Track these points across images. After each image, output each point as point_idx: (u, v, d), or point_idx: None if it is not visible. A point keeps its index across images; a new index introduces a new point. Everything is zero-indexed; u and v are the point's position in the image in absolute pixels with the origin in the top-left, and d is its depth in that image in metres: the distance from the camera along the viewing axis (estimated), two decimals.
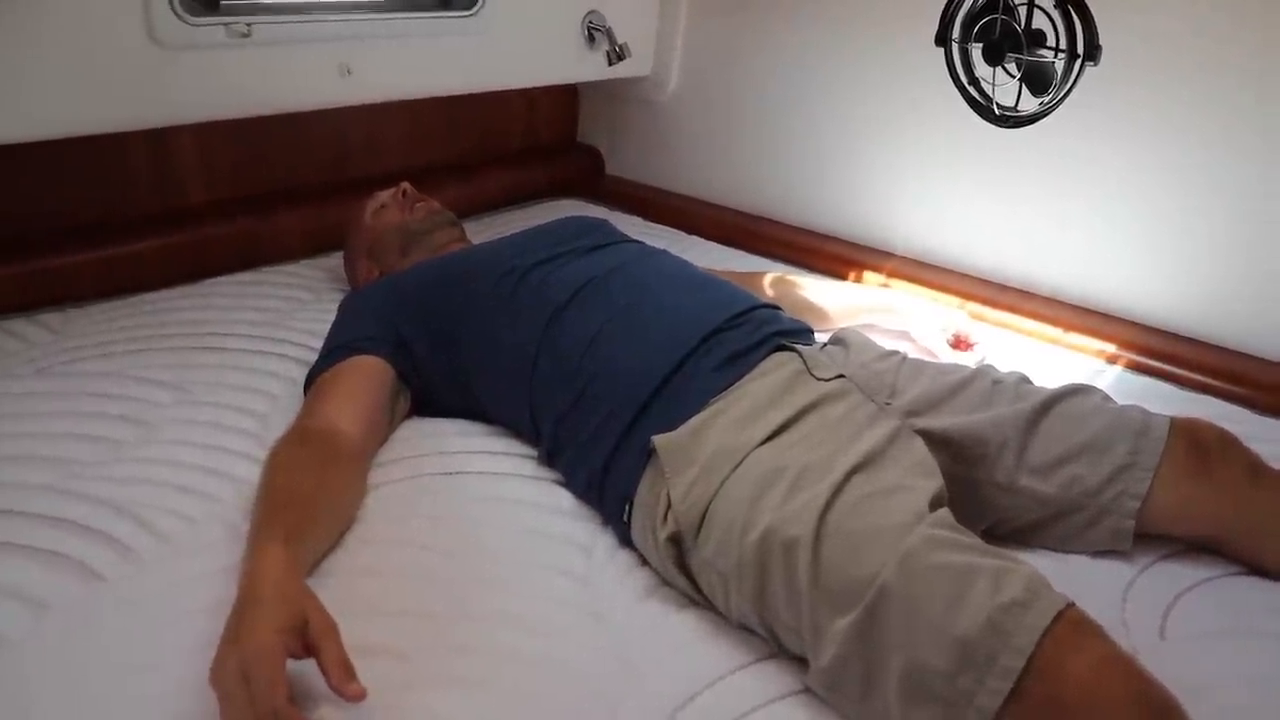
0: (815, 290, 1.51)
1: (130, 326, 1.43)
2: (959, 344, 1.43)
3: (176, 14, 1.37)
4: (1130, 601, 0.97)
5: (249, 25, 1.44)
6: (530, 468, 1.13)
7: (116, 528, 0.98)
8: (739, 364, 1.06)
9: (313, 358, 1.24)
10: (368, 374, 1.14)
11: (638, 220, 2.02)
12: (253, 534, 0.88)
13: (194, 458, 1.11)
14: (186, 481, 1.07)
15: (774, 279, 1.52)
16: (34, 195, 1.53)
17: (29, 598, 0.88)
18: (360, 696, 0.73)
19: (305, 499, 0.94)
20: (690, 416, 1.00)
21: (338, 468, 1.01)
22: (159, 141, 1.63)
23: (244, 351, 1.38)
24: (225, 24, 1.42)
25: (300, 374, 1.25)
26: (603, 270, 1.19)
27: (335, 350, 1.18)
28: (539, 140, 2.27)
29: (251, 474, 1.08)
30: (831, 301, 1.50)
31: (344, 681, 0.73)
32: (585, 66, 1.98)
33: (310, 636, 0.75)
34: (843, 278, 1.80)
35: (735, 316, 1.12)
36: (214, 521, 1.01)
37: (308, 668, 0.75)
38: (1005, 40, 1.40)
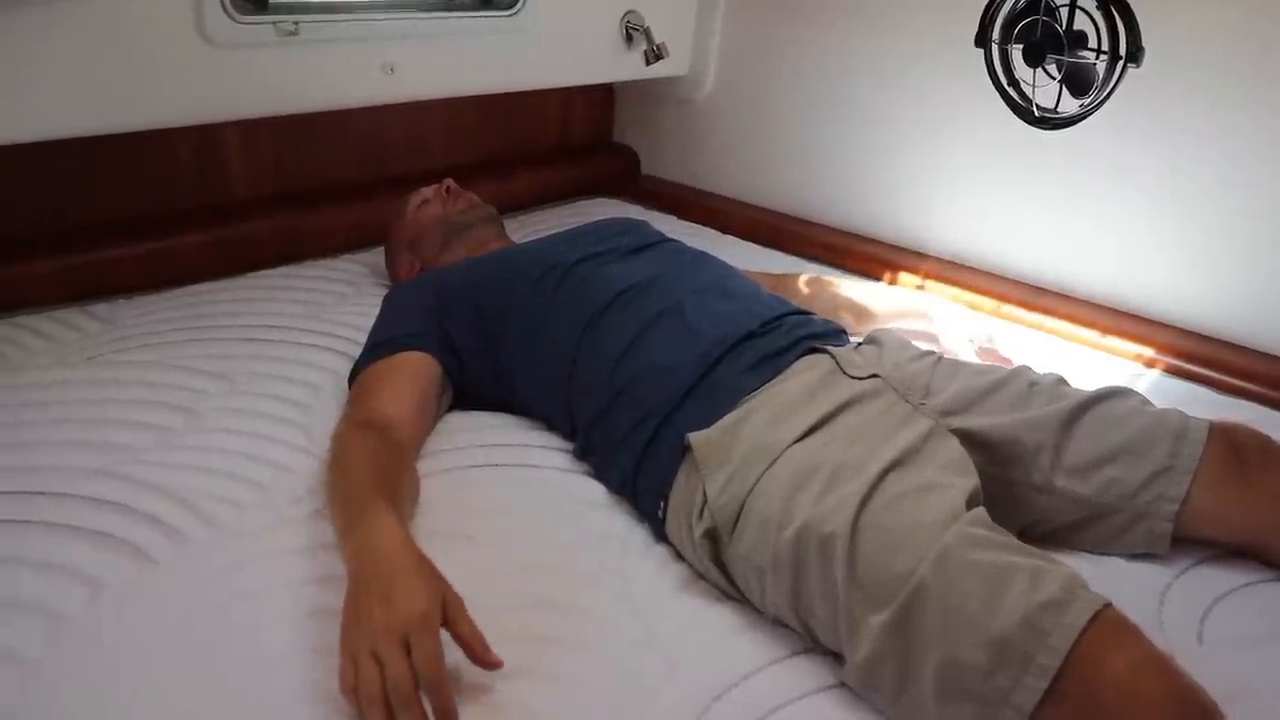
0: (849, 291, 1.51)
1: (177, 318, 1.47)
2: (986, 356, 1.41)
3: (226, 12, 1.40)
4: (1168, 605, 0.96)
5: (296, 24, 1.48)
6: (568, 461, 1.15)
7: (166, 512, 1.01)
8: (771, 365, 1.07)
9: (354, 350, 1.26)
10: (415, 369, 1.16)
11: (672, 219, 2.03)
12: (351, 508, 0.91)
13: (240, 445, 1.14)
14: (233, 468, 1.09)
15: (808, 279, 1.52)
16: (83, 189, 1.57)
17: (84, 577, 0.91)
18: (500, 665, 0.78)
19: (393, 477, 0.97)
20: (723, 415, 1.01)
21: (401, 457, 1.04)
22: (205, 137, 1.66)
23: (287, 343, 1.41)
24: (274, 22, 1.46)
25: (342, 365, 1.28)
26: (642, 277, 1.21)
27: (381, 344, 1.20)
28: (575, 139, 2.29)
29: (296, 462, 1.11)
30: (865, 302, 1.50)
31: (485, 653, 0.78)
32: (623, 66, 2.00)
33: (447, 611, 0.79)
34: (878, 279, 1.80)
35: (768, 322, 1.13)
36: (260, 508, 1.03)
37: None
38: (1046, 41, 1.39)
